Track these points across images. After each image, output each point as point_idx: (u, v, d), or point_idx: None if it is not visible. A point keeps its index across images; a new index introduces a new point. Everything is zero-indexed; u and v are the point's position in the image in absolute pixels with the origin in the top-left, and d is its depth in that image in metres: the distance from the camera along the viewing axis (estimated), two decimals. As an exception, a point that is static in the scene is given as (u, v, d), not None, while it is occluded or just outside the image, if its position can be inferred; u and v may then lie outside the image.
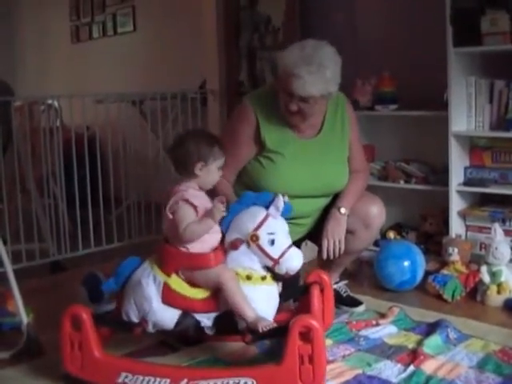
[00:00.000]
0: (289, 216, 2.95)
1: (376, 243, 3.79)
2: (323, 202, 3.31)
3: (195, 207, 2.63)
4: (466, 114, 3.95)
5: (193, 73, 5.91)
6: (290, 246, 2.64)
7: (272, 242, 2.61)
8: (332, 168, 3.27)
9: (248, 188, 3.13)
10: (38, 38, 8.43)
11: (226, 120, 5.48)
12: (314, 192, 3.24)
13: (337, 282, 3.57)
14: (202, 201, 2.68)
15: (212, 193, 3.07)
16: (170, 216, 2.65)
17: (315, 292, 2.96)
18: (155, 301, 2.62)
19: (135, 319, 2.68)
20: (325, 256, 3.23)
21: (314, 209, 3.31)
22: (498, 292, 3.59)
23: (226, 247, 2.68)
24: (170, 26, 6.41)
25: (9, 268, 3.09)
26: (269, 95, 3.20)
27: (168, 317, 2.63)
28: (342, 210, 3.23)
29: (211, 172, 2.73)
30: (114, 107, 5.14)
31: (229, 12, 5.49)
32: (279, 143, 3.16)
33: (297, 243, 3.24)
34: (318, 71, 2.92)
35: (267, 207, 2.67)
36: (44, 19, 8.25)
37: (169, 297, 2.62)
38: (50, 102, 5.21)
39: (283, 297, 2.83)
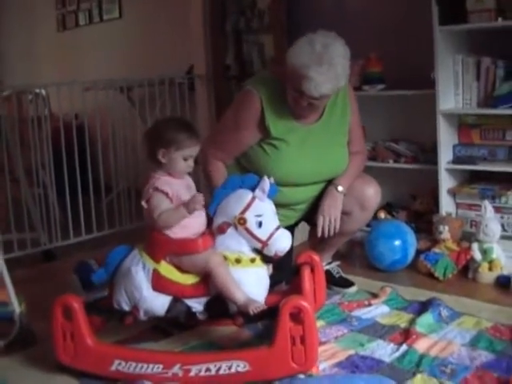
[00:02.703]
0: (284, 203, 2.97)
1: (367, 223, 3.79)
2: (322, 187, 3.32)
3: (167, 194, 2.62)
4: (454, 92, 3.95)
5: (180, 58, 5.88)
6: (277, 228, 2.65)
7: (260, 224, 2.62)
8: (334, 152, 3.27)
9: (248, 173, 3.12)
10: (24, 26, 8.36)
11: (213, 104, 5.49)
12: (316, 178, 3.26)
13: (329, 263, 3.58)
14: (176, 187, 2.66)
15: (207, 179, 3.11)
16: (145, 205, 2.65)
17: (306, 272, 2.97)
18: (145, 288, 2.62)
19: (126, 308, 2.68)
20: (319, 234, 3.24)
21: (313, 195, 3.32)
22: (490, 269, 3.60)
23: (214, 231, 2.68)
24: (156, 11, 6.38)
25: (0, 258, 3.08)
26: (271, 82, 3.18)
27: (159, 304, 2.64)
28: (340, 188, 3.25)
29: (174, 160, 2.66)
30: (102, 95, 5.12)
31: (214, -4, 5.47)
32: (284, 130, 3.15)
33: (291, 227, 3.25)
34: (328, 71, 2.89)
35: (253, 190, 2.67)
36: (30, 7, 8.19)
37: (159, 283, 2.62)
38: (37, 90, 5.18)
39: (275, 279, 2.84)
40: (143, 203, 2.65)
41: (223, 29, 5.52)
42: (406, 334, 2.88)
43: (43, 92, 5.29)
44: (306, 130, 3.19)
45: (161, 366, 2.56)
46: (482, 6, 3.62)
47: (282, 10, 5.06)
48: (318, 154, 3.21)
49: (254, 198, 2.66)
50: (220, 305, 2.64)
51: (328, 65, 2.89)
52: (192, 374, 2.54)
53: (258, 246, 2.64)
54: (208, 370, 2.52)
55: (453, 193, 4.01)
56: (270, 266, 2.77)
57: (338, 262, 3.65)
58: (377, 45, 4.38)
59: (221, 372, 2.51)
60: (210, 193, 2.95)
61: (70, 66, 7.44)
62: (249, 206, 2.64)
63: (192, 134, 2.71)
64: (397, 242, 3.82)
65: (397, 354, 2.71)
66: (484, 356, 2.66)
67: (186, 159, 2.69)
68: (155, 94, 5.30)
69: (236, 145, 3.21)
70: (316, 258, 3.08)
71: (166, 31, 6.22)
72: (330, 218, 3.22)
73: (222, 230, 2.65)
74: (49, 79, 6.43)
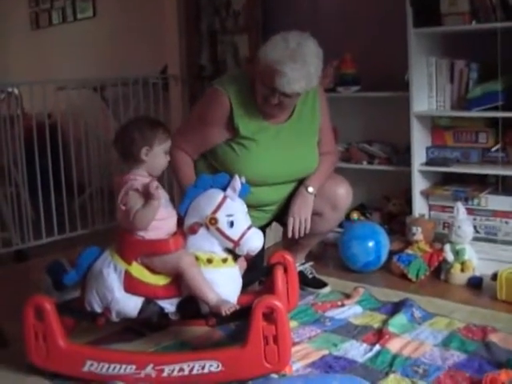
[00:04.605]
0: (255, 203, 2.98)
1: (340, 224, 3.79)
2: (292, 187, 3.32)
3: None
4: (427, 94, 3.97)
5: (154, 58, 5.86)
6: (249, 227, 2.64)
7: (231, 224, 2.61)
8: (303, 152, 3.27)
9: (217, 171, 3.12)
10: (-4, 24, 8.32)
11: (187, 104, 5.47)
12: (286, 178, 3.26)
13: (302, 264, 3.59)
14: None
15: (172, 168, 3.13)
16: (123, 207, 2.62)
17: (279, 273, 2.98)
18: (117, 290, 2.59)
19: (98, 309, 2.66)
20: (290, 235, 3.24)
21: (283, 195, 3.32)
22: (462, 270, 3.62)
23: (185, 232, 2.67)
24: (130, 10, 6.35)
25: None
26: (241, 81, 3.18)
27: (131, 305, 2.62)
28: (310, 189, 3.25)
29: (157, 156, 2.68)
30: (76, 94, 5.09)
31: (189, -4, 5.46)
32: (253, 130, 3.15)
33: (262, 228, 3.24)
34: (302, 68, 2.91)
35: (224, 189, 2.67)
36: (2, 6, 8.12)
37: (131, 285, 2.60)
38: (10, 89, 5.15)
39: (247, 279, 2.84)
40: (121, 206, 2.62)
41: (198, 29, 5.50)
42: (379, 335, 2.89)
43: (16, 91, 5.26)
44: (276, 130, 3.20)
45: (133, 367, 2.55)
46: (456, 9, 3.63)
47: (257, 11, 5.06)
48: (288, 153, 3.21)
49: (225, 198, 2.65)
50: (192, 305, 2.63)
51: (302, 62, 2.91)
52: (165, 374, 2.53)
53: (230, 245, 2.63)
54: (181, 370, 2.51)
55: (426, 194, 4.03)
56: (242, 258, 2.77)
57: (311, 263, 3.65)
58: (351, 46, 4.39)
59: (194, 372, 2.51)
60: (178, 184, 3.10)
61: (43, 65, 7.39)
62: (220, 205, 2.63)
63: (165, 127, 2.75)
64: (370, 244, 3.83)
65: (370, 355, 2.72)
66: (456, 356, 2.68)
67: (165, 154, 2.71)
68: (129, 93, 5.27)
69: (201, 139, 3.21)
70: (289, 258, 3.09)
71: (140, 31, 6.20)
72: (300, 219, 3.22)
73: (193, 230, 2.64)
74: (22, 78, 6.41)
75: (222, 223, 2.61)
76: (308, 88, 3.02)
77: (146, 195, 2.58)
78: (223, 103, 3.13)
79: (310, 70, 2.94)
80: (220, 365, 2.49)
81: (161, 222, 2.64)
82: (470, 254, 3.66)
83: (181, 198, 2.78)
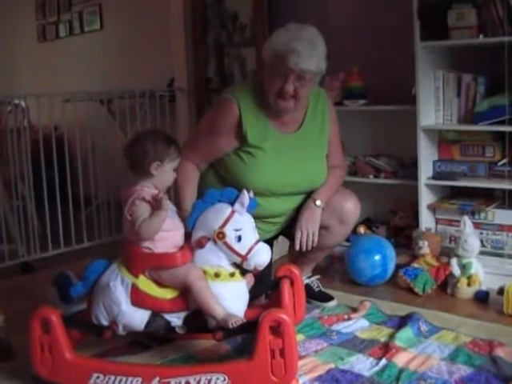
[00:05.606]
0: (262, 215, 2.97)
1: (347, 238, 3.79)
2: (299, 200, 3.31)
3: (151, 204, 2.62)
4: (434, 108, 3.97)
5: (161, 71, 5.88)
6: (257, 242, 2.63)
7: (239, 239, 2.60)
8: (312, 164, 3.27)
9: (226, 182, 3.15)
10: (4, 37, 8.33)
11: (194, 117, 5.48)
12: (293, 188, 3.25)
13: (309, 277, 3.58)
14: None
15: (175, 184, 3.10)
16: (129, 217, 2.62)
17: (285, 286, 2.97)
18: (124, 303, 2.60)
19: (105, 322, 2.66)
20: (297, 248, 3.23)
21: (290, 207, 3.31)
22: (468, 284, 3.61)
23: (192, 245, 2.67)
24: (137, 23, 6.38)
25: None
26: (249, 89, 3.19)
27: (138, 318, 2.62)
28: (318, 202, 3.24)
29: (166, 172, 2.71)
30: (82, 106, 5.10)
31: (196, 9, 5.48)
32: (261, 137, 3.15)
33: (269, 241, 3.24)
34: (310, 45, 2.96)
35: (232, 203, 2.67)
36: (10, 18, 8.16)
37: (138, 298, 2.60)
38: (16, 101, 5.15)
39: (254, 292, 2.83)
40: (128, 216, 2.63)
41: (205, 42, 5.53)
42: (386, 348, 2.88)
43: (23, 103, 5.27)
44: (284, 139, 3.20)
45: (140, 380, 2.54)
46: (464, 22, 3.64)
47: (263, 24, 5.08)
48: (296, 163, 3.20)
49: (233, 212, 2.65)
50: (199, 319, 2.62)
51: (309, 40, 2.98)
52: (171, 387, 2.53)
53: (238, 260, 2.63)
54: (187, 383, 2.50)
55: (432, 208, 4.02)
56: (250, 274, 2.76)
57: (317, 276, 3.65)
58: (358, 59, 4.40)
59: (200, 385, 2.51)
60: (175, 192, 3.12)
61: (50, 78, 7.40)
62: (228, 220, 2.63)
63: (178, 145, 2.76)
64: (376, 257, 3.82)
65: (376, 368, 2.71)
66: (463, 370, 2.67)
67: (174, 171, 2.73)
68: (136, 106, 5.28)
69: (209, 148, 3.21)
70: (296, 271, 3.08)
71: (147, 43, 6.22)
72: (307, 232, 3.22)
73: (200, 244, 2.64)
74: (28, 90, 6.41)
75: (230, 237, 2.61)
76: (319, 68, 3.03)
77: (154, 205, 2.59)
78: (232, 111, 3.14)
79: (317, 48, 3.00)
80: (226, 378, 2.48)
81: (167, 233, 2.64)
82: (477, 268, 3.65)
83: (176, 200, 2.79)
